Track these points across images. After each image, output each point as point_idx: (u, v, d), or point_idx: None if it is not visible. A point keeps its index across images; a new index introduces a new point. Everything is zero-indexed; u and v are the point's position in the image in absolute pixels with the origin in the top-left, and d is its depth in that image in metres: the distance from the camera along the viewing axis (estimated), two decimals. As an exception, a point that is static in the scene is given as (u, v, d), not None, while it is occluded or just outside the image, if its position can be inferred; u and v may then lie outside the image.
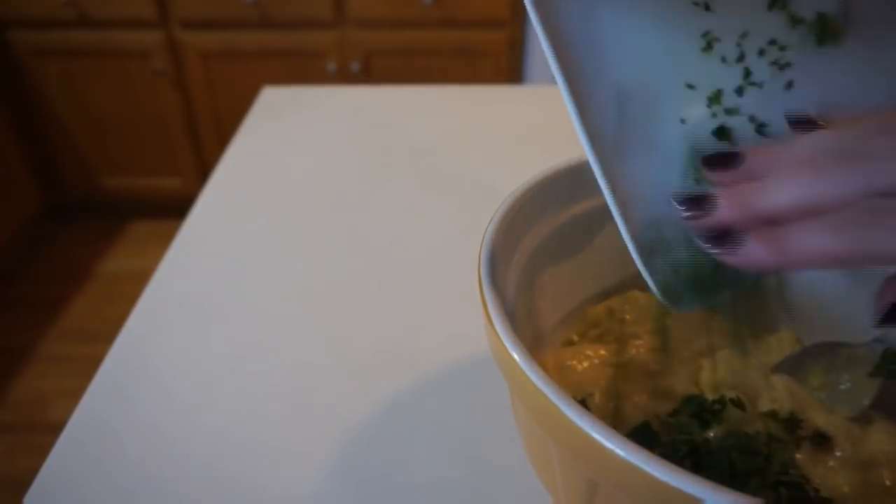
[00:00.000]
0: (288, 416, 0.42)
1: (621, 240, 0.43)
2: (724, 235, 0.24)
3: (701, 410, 0.34)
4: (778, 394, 0.35)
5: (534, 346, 0.38)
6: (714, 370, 0.37)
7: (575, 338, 0.42)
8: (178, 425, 0.42)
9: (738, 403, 0.34)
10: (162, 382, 0.45)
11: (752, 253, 0.23)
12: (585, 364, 0.38)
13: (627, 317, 0.41)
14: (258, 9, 1.64)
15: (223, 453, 0.40)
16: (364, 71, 1.73)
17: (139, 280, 0.66)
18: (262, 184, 0.69)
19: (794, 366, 0.37)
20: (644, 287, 0.43)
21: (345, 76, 1.73)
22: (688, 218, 0.26)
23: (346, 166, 0.71)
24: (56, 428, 0.41)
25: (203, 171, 1.89)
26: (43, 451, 0.40)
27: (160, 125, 1.82)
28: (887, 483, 0.30)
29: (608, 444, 0.22)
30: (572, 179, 0.40)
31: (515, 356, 0.25)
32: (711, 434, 0.33)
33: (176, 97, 1.77)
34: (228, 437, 0.41)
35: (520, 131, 0.78)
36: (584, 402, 0.35)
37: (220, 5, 1.64)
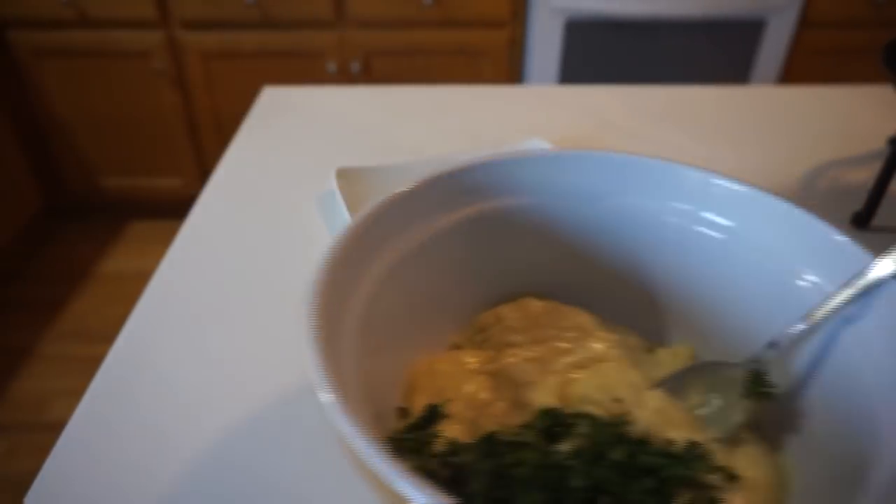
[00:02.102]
0: (288, 415, 0.42)
1: (515, 249, 0.42)
2: None
3: (554, 424, 0.33)
4: (643, 412, 0.35)
5: (412, 352, 0.38)
6: (584, 384, 0.36)
7: (461, 342, 0.41)
8: (178, 425, 0.42)
9: (594, 419, 0.34)
10: (162, 382, 0.45)
11: None
12: (455, 369, 0.37)
13: (514, 324, 0.41)
14: (258, 9, 1.64)
15: (223, 453, 0.40)
16: (364, 71, 1.73)
17: (139, 280, 0.66)
18: (263, 184, 0.69)
19: (677, 383, 0.36)
20: (541, 295, 0.42)
21: (345, 76, 1.73)
22: None
23: (346, 166, 0.71)
24: (56, 428, 0.41)
25: (203, 171, 1.89)
26: (43, 451, 0.40)
27: (160, 125, 1.82)
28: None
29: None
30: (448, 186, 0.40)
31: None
32: (560, 448, 0.32)
33: (176, 97, 1.77)
34: (229, 437, 0.41)
35: (520, 131, 0.78)
36: (437, 408, 0.35)
37: (220, 5, 1.63)
